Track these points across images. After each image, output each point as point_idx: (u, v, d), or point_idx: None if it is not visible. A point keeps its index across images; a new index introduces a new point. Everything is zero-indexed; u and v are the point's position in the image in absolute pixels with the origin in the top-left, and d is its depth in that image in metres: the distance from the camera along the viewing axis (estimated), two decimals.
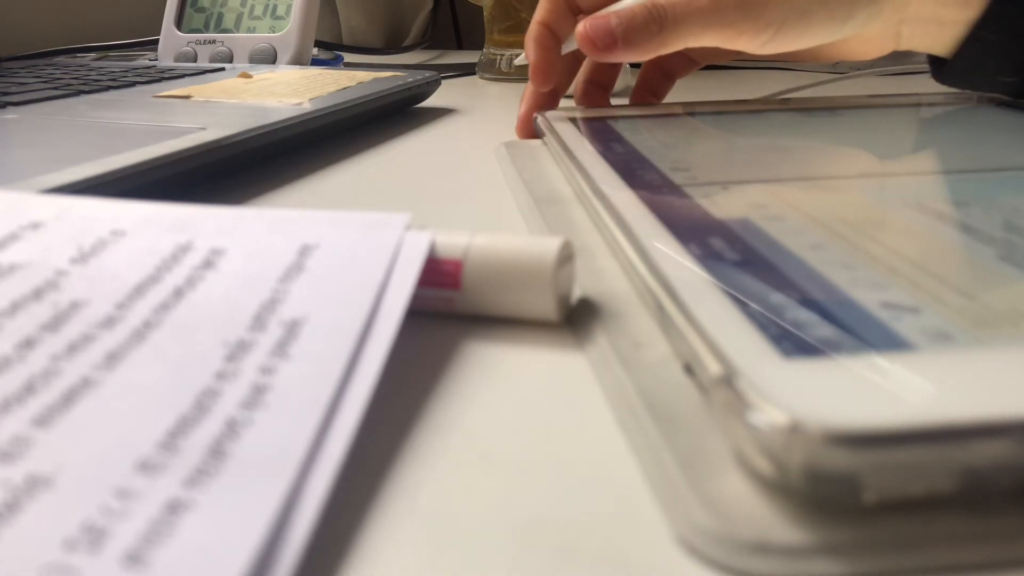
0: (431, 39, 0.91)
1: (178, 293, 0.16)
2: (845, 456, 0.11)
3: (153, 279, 0.17)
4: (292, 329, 0.15)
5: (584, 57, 0.39)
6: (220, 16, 0.61)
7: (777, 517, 0.12)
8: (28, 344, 0.14)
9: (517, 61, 0.39)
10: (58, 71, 0.54)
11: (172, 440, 0.12)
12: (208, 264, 0.17)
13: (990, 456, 0.11)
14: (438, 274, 0.18)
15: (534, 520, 0.12)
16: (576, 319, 0.19)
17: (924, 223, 0.20)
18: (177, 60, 0.61)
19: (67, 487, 0.11)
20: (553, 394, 0.16)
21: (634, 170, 0.26)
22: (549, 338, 0.18)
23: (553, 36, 0.36)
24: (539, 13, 0.36)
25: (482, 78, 0.66)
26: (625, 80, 0.54)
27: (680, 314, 0.15)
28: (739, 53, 0.34)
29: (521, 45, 0.63)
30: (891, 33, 0.33)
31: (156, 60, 0.63)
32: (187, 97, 0.42)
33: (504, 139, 0.38)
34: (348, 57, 0.75)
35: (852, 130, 0.32)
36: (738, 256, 0.18)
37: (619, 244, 0.20)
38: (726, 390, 0.12)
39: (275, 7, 0.60)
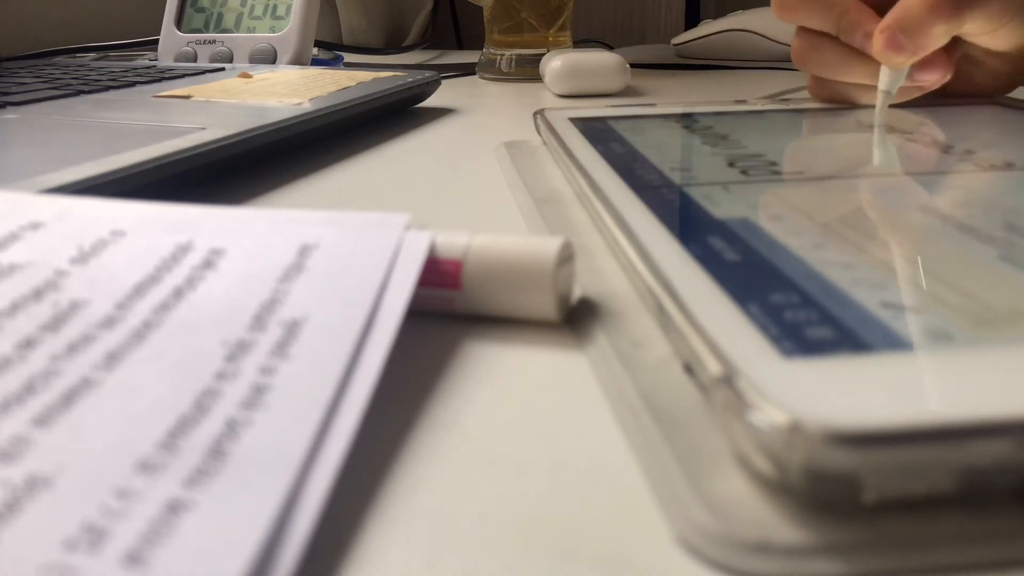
0: (431, 39, 0.91)
1: (178, 293, 0.16)
2: (845, 456, 0.11)
3: (153, 279, 0.17)
4: (292, 329, 0.15)
5: None
6: (220, 16, 0.61)
7: (777, 517, 0.12)
8: (28, 344, 0.14)
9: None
10: (58, 71, 0.54)
11: (172, 440, 0.12)
12: (208, 264, 0.17)
13: (990, 456, 0.11)
14: (438, 274, 0.18)
15: (534, 520, 0.12)
16: (576, 319, 0.19)
17: (924, 223, 0.20)
18: (177, 60, 0.61)
19: (67, 487, 0.11)
20: (553, 394, 0.16)
21: (634, 170, 0.26)
22: (549, 338, 0.18)
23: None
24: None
25: (482, 78, 0.66)
26: (625, 80, 0.54)
27: (680, 314, 0.15)
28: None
29: (521, 45, 0.64)
30: None
31: (156, 60, 0.63)
32: (187, 97, 0.42)
33: (504, 139, 0.38)
34: (348, 57, 0.75)
35: (852, 130, 0.32)
36: (738, 256, 0.18)
37: (619, 244, 0.20)
38: (726, 390, 0.12)
39: (275, 7, 0.60)
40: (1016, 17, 0.32)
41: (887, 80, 0.33)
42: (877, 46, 0.32)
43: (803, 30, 0.36)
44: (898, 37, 0.31)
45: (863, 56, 0.34)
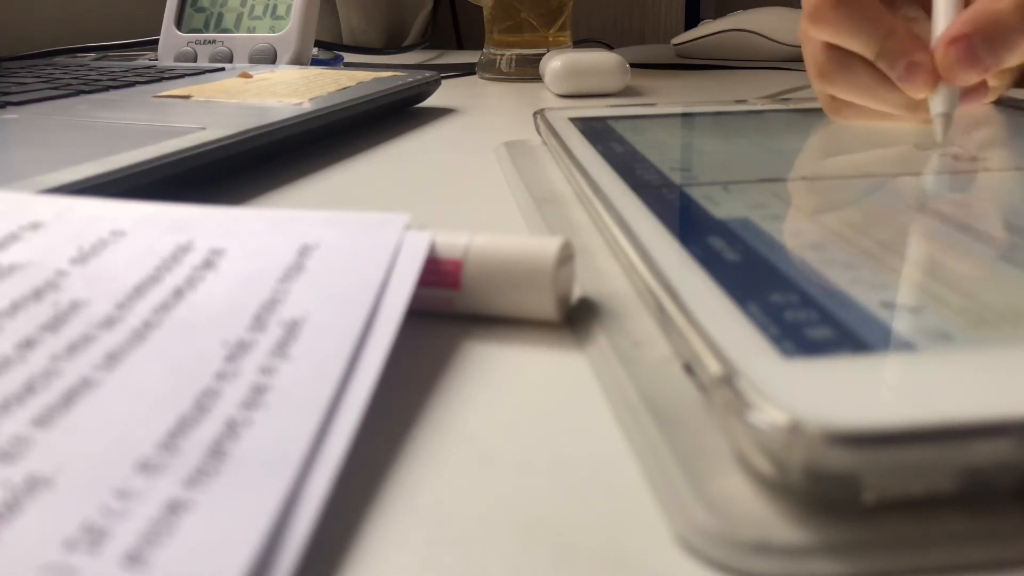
0: (431, 39, 0.91)
1: (178, 293, 0.16)
2: (845, 456, 0.11)
3: (153, 279, 0.17)
4: (292, 329, 0.15)
5: None
6: (220, 16, 0.61)
7: (777, 517, 0.12)
8: (28, 344, 0.14)
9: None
10: (58, 71, 0.54)
11: (172, 440, 0.12)
12: (208, 264, 0.17)
13: (990, 456, 0.11)
14: (438, 274, 0.18)
15: (534, 520, 0.12)
16: (576, 319, 0.19)
17: (924, 223, 0.20)
18: (177, 60, 0.61)
19: (67, 487, 0.11)
20: (553, 394, 0.16)
21: (634, 170, 0.26)
22: (549, 338, 0.18)
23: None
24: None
25: (482, 78, 0.66)
26: (625, 80, 0.54)
27: (680, 314, 0.15)
28: None
29: (521, 45, 0.64)
30: None
31: (156, 60, 0.63)
32: (187, 97, 0.42)
33: (504, 139, 0.38)
34: (348, 57, 0.75)
35: (852, 130, 0.32)
36: (738, 256, 0.18)
37: (619, 244, 0.20)
38: (726, 390, 0.12)
39: (275, 7, 0.60)
40: None
41: (946, 101, 0.28)
42: (946, 59, 0.27)
43: (832, 46, 0.31)
44: (977, 47, 0.27)
45: (900, 85, 0.29)
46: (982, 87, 0.30)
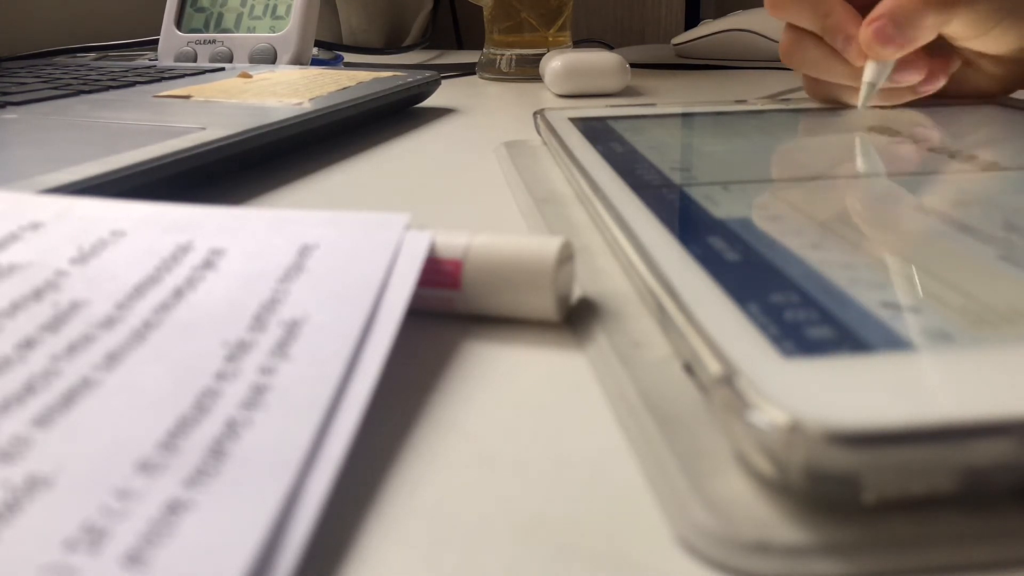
0: (431, 39, 0.91)
1: (178, 293, 0.16)
2: (845, 456, 0.11)
3: (153, 279, 0.17)
4: (292, 329, 0.15)
5: None
6: (220, 16, 0.61)
7: (777, 517, 0.12)
8: (28, 344, 0.14)
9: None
10: (58, 71, 0.54)
11: (172, 440, 0.12)
12: (208, 264, 0.17)
13: (990, 456, 0.11)
14: (438, 274, 0.18)
15: (534, 520, 0.12)
16: (576, 319, 0.19)
17: (924, 223, 0.20)
18: (177, 60, 0.61)
19: (67, 487, 0.11)
20: (553, 394, 0.16)
21: (634, 170, 0.26)
22: (549, 338, 0.18)
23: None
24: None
25: (482, 78, 0.66)
26: (625, 80, 0.54)
27: (680, 314, 0.15)
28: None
29: (521, 45, 0.64)
30: None
31: (156, 60, 0.63)
32: (187, 97, 0.42)
33: (504, 139, 0.38)
34: (348, 57, 0.75)
35: (852, 130, 0.32)
36: (738, 256, 0.18)
37: (619, 244, 0.20)
38: (726, 389, 0.12)
39: (275, 7, 0.60)
40: (1006, 19, 0.32)
41: (872, 72, 0.33)
42: (865, 37, 0.32)
43: (791, 27, 0.36)
44: (888, 28, 0.32)
45: (844, 56, 0.34)
46: (929, 72, 0.34)
